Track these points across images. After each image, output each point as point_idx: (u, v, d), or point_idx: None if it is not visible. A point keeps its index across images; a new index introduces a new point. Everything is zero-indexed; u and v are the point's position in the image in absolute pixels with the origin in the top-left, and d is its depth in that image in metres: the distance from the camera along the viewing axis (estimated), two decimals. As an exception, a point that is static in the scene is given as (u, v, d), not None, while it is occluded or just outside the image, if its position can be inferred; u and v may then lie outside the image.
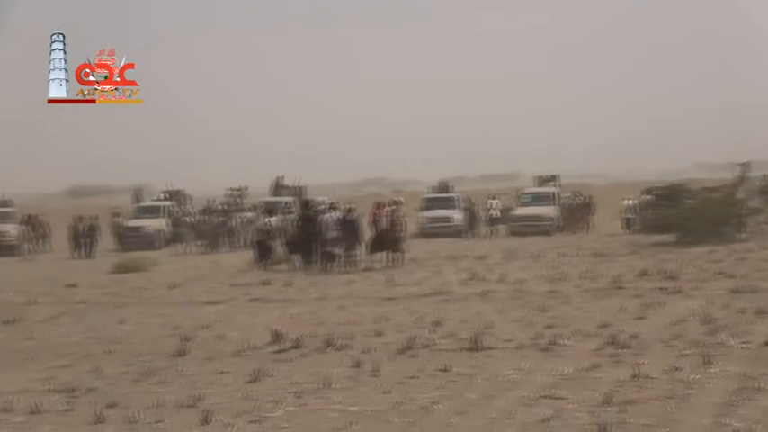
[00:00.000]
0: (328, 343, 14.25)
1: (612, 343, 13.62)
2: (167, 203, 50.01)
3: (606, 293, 20.20)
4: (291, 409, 10.17)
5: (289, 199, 45.62)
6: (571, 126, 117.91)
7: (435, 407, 10.09)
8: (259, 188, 53.57)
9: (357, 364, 12.54)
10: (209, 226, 46.09)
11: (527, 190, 52.36)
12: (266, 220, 32.34)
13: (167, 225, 47.73)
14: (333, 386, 11.23)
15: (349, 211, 30.10)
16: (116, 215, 49.55)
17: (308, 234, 30.13)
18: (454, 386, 11.21)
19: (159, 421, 9.72)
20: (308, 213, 31.12)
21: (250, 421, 9.67)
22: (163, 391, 11.33)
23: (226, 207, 48.72)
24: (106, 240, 47.68)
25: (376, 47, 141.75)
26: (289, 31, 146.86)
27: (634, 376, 11.30)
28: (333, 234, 28.94)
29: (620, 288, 20.95)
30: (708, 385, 10.84)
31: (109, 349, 14.86)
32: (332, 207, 30.37)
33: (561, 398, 10.39)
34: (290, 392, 10.93)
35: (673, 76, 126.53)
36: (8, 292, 25.27)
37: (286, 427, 9.50)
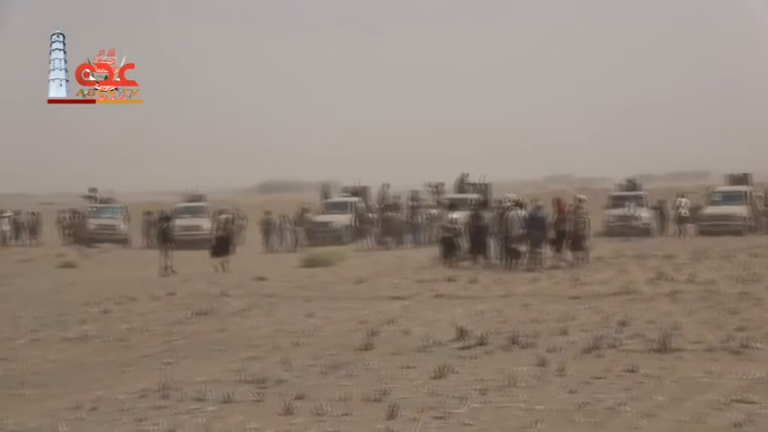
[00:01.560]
0: (513, 341, 14.19)
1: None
2: (354, 199, 50.74)
3: (802, 296, 19.53)
4: (476, 405, 10.17)
5: (474, 196, 45.62)
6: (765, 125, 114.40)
7: (622, 408, 9.94)
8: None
9: (542, 363, 12.45)
10: (395, 222, 46.53)
11: (718, 188, 51.03)
12: (451, 216, 32.40)
13: (354, 221, 48.42)
14: (518, 384, 11.18)
15: (537, 208, 29.86)
16: (305, 210, 50.52)
17: (493, 231, 30.12)
18: (642, 388, 11.01)
19: (346, 414, 9.85)
20: (480, 212, 31.13)
21: (435, 417, 9.71)
22: (349, 384, 11.48)
23: (412, 203, 49.14)
24: (291, 235, 48.72)
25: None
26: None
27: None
28: (518, 231, 28.81)
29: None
30: None
31: (297, 342, 15.14)
32: (518, 204, 30.20)
33: (754, 402, 10.09)
34: (474, 389, 10.93)
35: None
36: (202, 284, 26.05)
37: (471, 424, 9.50)
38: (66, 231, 51.92)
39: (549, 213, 29.89)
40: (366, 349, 14.13)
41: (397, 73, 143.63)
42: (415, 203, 49.53)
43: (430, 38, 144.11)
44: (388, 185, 53.03)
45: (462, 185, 51.13)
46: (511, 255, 29.02)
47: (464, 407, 10.09)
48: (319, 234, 47.07)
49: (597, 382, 11.34)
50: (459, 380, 11.63)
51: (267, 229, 47.62)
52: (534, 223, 28.81)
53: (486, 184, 50.20)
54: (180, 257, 34.02)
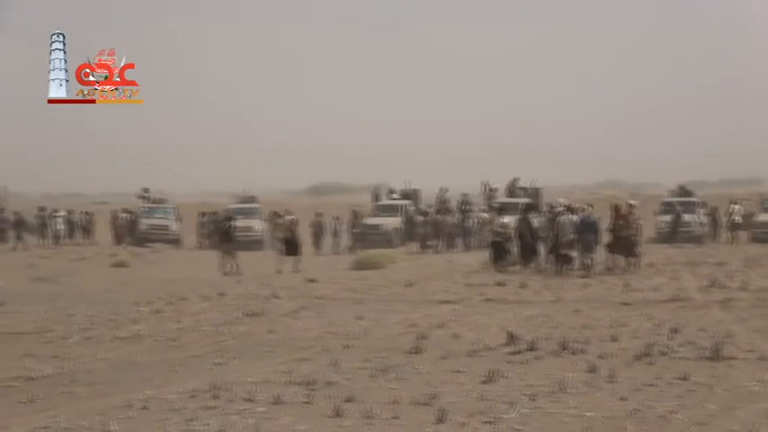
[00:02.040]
0: (563, 346, 14.11)
1: None
2: (405, 202, 50.74)
3: None
4: (526, 411, 10.13)
5: (524, 200, 45.45)
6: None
7: (673, 416, 9.86)
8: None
9: (593, 369, 12.37)
10: (445, 225, 46.49)
11: (772, 195, 50.56)
12: (501, 221, 32.31)
13: (404, 223, 48.44)
14: (568, 390, 11.12)
15: (586, 212, 29.70)
16: (356, 213, 50.59)
17: (532, 236, 30.07)
18: (693, 396, 10.92)
19: (395, 418, 9.85)
20: (529, 217, 31.01)
21: (484, 422, 9.68)
22: (398, 387, 11.48)
23: (462, 207, 49.08)
24: (344, 237, 48.86)
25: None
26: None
27: None
28: (569, 237, 28.67)
29: None
30: None
31: (347, 344, 15.16)
32: (569, 209, 30.05)
33: (808, 413, 9.98)
34: (524, 395, 10.89)
35: None
36: (253, 285, 26.17)
37: (520, 430, 9.46)
38: (119, 231, 52.35)
39: (601, 218, 29.74)
40: (415, 353, 14.13)
41: (446, 73, 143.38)
42: (466, 207, 49.46)
43: (478, 36, 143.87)
44: (447, 189, 52.94)
45: (513, 189, 50.96)
46: (561, 260, 28.88)
47: (513, 412, 10.05)
48: (369, 237, 47.13)
49: (648, 390, 11.25)
50: (508, 385, 11.59)
51: (318, 231, 47.77)
52: (585, 228, 28.64)
53: (536, 189, 50.00)
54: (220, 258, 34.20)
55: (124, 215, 53.70)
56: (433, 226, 46.64)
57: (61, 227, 52.56)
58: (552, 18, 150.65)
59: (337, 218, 49.69)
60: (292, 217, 35.79)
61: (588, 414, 10.00)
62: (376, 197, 53.66)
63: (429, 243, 45.82)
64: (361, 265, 32.99)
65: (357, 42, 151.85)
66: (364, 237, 47.53)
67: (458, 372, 12.53)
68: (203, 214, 52.75)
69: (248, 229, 48.22)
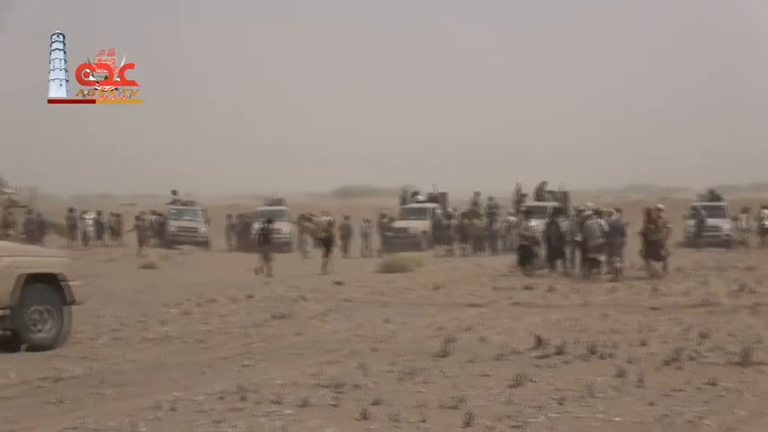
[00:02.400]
0: (592, 351, 14.06)
1: None
2: (432, 205, 50.72)
3: None
4: (553, 415, 10.09)
5: (552, 204, 45.34)
6: None
7: (702, 422, 9.80)
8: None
9: (621, 374, 12.31)
10: (473, 229, 46.45)
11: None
12: (529, 224, 32.24)
13: (431, 227, 48.44)
14: (596, 395, 11.08)
15: (615, 216, 29.58)
16: (383, 216, 50.61)
17: (560, 240, 29.98)
18: (722, 401, 10.85)
19: (422, 421, 9.82)
20: (557, 220, 30.90)
21: (512, 426, 9.65)
22: (426, 391, 11.46)
23: (490, 210, 49.06)
24: (374, 240, 48.90)
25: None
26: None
27: None
28: (597, 240, 28.57)
29: None
30: None
31: (374, 347, 15.17)
32: (597, 213, 29.96)
33: (839, 420, 9.91)
34: (552, 399, 10.85)
35: None
36: (281, 287, 26.23)
37: (548, 434, 9.46)
38: (142, 233, 52.54)
39: (629, 223, 29.64)
40: (443, 356, 14.11)
41: (472, 73, 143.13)
42: (493, 210, 49.44)
43: (503, 35, 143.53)
44: (479, 193, 52.95)
45: (541, 193, 50.90)
46: (589, 264, 28.80)
47: (541, 416, 10.02)
48: (397, 239, 47.13)
49: (677, 395, 11.19)
50: (536, 389, 11.56)
51: (346, 233, 47.82)
52: (613, 232, 28.55)
53: (564, 193, 49.93)
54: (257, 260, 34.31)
55: (151, 217, 53.90)
56: (461, 229, 46.62)
57: (90, 228, 52.80)
58: (598, 18, 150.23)
59: (368, 220, 49.72)
60: (329, 218, 35.99)
61: (617, 419, 9.96)
62: (403, 200, 53.70)
63: (448, 247, 45.70)
64: (389, 268, 33.01)
65: (380, 44, 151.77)
66: (392, 240, 47.55)
67: (485, 375, 12.51)
68: (237, 215, 53.02)
69: (276, 231, 48.35)
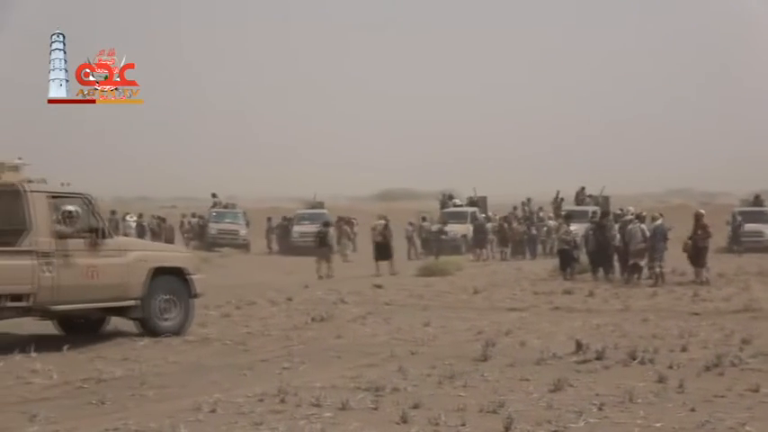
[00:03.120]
0: (632, 356, 13.98)
1: None
2: (473, 209, 50.62)
3: None
4: (593, 421, 10.04)
5: (593, 208, 45.14)
6: None
7: (744, 428, 9.71)
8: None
9: (662, 380, 12.24)
10: (512, 233, 46.33)
11: None
12: (569, 228, 32.11)
13: (471, 230, 48.35)
14: (636, 400, 11.01)
15: (657, 221, 29.38)
16: (424, 219, 50.56)
17: (608, 245, 29.78)
18: (764, 408, 10.74)
19: (462, 425, 9.81)
20: (605, 223, 30.71)
21: (552, 431, 9.61)
22: (466, 395, 11.44)
23: (529, 215, 48.94)
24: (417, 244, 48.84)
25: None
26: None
27: None
28: (639, 246, 28.41)
29: None
30: None
31: (414, 351, 15.16)
32: (638, 217, 29.80)
33: None
34: (592, 404, 10.79)
35: None
36: (320, 290, 26.29)
37: (588, 439, 9.42)
38: (188, 235, 52.80)
39: (671, 228, 29.44)
40: (482, 360, 14.09)
41: (513, 79, 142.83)
42: (533, 214, 49.31)
43: (542, 40, 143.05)
44: (530, 200, 52.85)
45: (581, 197, 50.74)
46: (630, 269, 28.64)
47: (581, 421, 9.97)
48: (437, 243, 47.08)
49: (718, 401, 11.10)
50: (576, 394, 11.51)
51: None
52: (656, 237, 28.37)
53: (605, 197, 49.75)
54: (299, 263, 34.42)
55: (193, 219, 54.15)
56: (500, 233, 46.51)
57: (132, 230, 53.07)
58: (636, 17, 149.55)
59: (412, 223, 49.66)
60: (384, 222, 36.16)
61: (657, 425, 9.89)
62: (443, 204, 53.65)
63: (479, 251, 45.49)
64: (428, 272, 32.99)
65: (418, 48, 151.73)
66: (432, 243, 47.50)
67: (525, 380, 12.48)
68: (271, 219, 53.13)
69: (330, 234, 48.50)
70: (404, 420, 9.96)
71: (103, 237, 16.41)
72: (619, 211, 34.35)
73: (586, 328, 17.89)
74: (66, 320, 17.35)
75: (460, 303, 23.26)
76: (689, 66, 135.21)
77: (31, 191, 15.69)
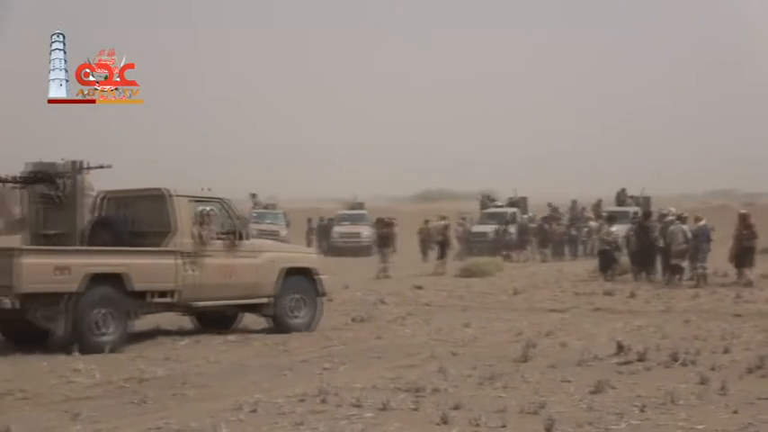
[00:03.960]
0: (674, 357, 13.89)
1: None
2: (513, 210, 50.50)
3: None
4: (635, 422, 9.98)
5: (634, 209, 44.90)
6: None
7: (787, 431, 9.65)
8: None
9: (704, 381, 12.15)
10: (553, 234, 46.18)
11: None
12: (610, 229, 31.95)
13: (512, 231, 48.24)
14: (678, 402, 10.94)
15: (701, 222, 29.16)
16: (463, 220, 50.48)
17: (651, 246, 29.59)
18: (808, 410, 10.66)
19: (503, 426, 9.78)
20: (648, 224, 30.51)
21: (592, 432, 9.60)
22: (506, 396, 11.41)
23: (571, 215, 48.80)
24: (454, 244, 48.75)
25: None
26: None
27: None
28: (680, 246, 28.23)
29: None
30: None
31: (454, 351, 15.15)
32: (680, 218, 29.60)
33: None
34: (634, 406, 10.73)
35: None
36: (360, 291, 26.31)
37: (629, 441, 9.37)
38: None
39: (713, 228, 29.22)
40: (523, 361, 14.06)
41: (551, 78, 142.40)
42: (575, 215, 49.16)
43: (587, 41, 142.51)
44: (576, 201, 52.70)
45: (622, 198, 50.54)
46: (672, 270, 28.47)
47: (622, 423, 9.92)
48: (477, 244, 47.00)
49: (761, 403, 11.00)
50: (617, 396, 11.45)
51: (426, 238, 47.69)
52: (699, 238, 28.17)
53: (646, 198, 49.50)
54: (340, 264, 34.47)
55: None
56: (541, 234, 46.37)
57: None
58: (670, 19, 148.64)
59: (462, 224, 49.48)
60: (445, 222, 36.69)
61: (699, 427, 9.83)
62: (483, 204, 53.57)
63: (506, 252, 45.31)
64: (468, 273, 32.95)
65: (457, 48, 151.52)
66: (471, 244, 47.42)
67: (566, 381, 12.43)
68: (311, 219, 53.24)
69: (356, 235, 48.63)
70: (444, 421, 9.95)
71: (240, 238, 17.70)
72: (662, 212, 34.10)
73: (628, 330, 17.80)
74: (202, 316, 18.47)
75: (500, 304, 23.21)
76: (720, 65, 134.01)
77: (176, 195, 16.82)
